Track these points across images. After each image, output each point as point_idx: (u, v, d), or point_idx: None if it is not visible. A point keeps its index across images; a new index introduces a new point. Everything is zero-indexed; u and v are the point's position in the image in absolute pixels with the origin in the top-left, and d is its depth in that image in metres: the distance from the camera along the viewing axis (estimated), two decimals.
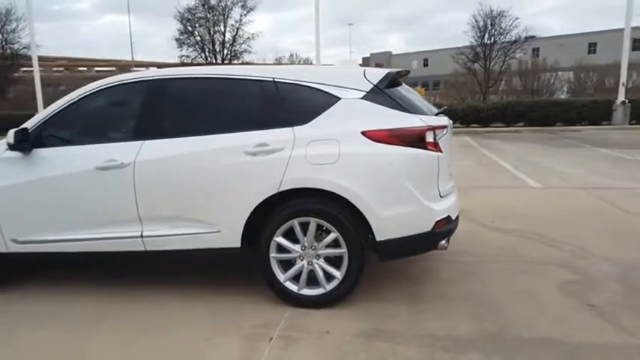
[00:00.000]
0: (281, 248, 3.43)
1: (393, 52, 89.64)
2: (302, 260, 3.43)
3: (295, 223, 3.37)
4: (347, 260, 3.34)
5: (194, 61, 29.05)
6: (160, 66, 62.53)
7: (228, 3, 27.65)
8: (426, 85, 70.51)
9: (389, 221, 3.26)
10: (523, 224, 5.34)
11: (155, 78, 3.67)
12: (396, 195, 3.27)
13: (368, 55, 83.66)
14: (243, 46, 28.53)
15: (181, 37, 28.42)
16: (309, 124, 3.38)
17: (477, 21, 25.24)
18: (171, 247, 3.56)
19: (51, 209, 3.66)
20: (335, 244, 3.35)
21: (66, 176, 3.61)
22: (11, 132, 3.54)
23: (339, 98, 3.40)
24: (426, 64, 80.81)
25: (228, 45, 28.48)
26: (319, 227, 3.37)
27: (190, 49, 28.58)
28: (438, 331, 3.08)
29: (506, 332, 3.05)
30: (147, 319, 3.37)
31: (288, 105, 3.45)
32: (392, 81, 3.49)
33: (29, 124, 3.72)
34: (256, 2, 28.93)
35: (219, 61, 28.40)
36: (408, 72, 3.95)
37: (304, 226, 3.37)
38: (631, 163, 9.76)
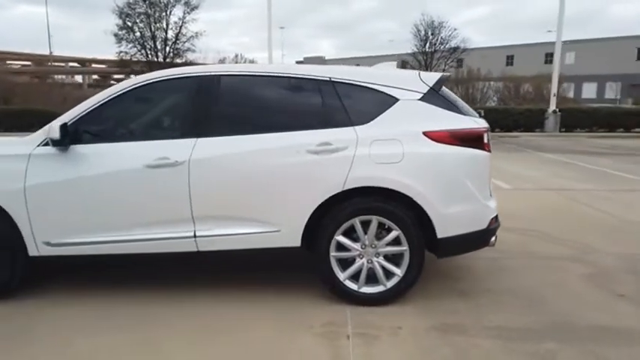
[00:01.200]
0: (340, 247, 3.45)
1: (326, 57, 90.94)
2: (361, 258, 3.47)
3: (357, 221, 3.40)
4: (408, 258, 3.41)
5: (133, 58, 27.91)
6: (81, 62, 59.19)
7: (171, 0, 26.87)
8: None
9: (450, 219, 3.38)
10: (520, 223, 5.67)
11: (209, 74, 3.57)
12: (457, 193, 3.40)
13: (301, 59, 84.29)
14: (186, 44, 27.81)
15: (120, 33, 27.22)
16: (369, 123, 3.43)
17: (418, 30, 26.21)
18: (226, 247, 3.47)
19: (92, 209, 3.45)
20: (396, 242, 3.42)
21: (111, 174, 3.41)
22: (56, 126, 3.31)
23: (397, 99, 3.48)
24: None
25: (170, 43, 27.61)
26: (379, 225, 3.42)
27: (130, 46, 27.44)
28: (502, 323, 3.24)
29: (562, 321, 3.26)
30: (212, 321, 3.27)
31: (347, 105, 3.48)
32: (444, 84, 3.62)
33: (66, 119, 3.48)
34: (200, 0, 28.31)
35: (160, 59, 27.46)
36: (450, 76, 4.09)
37: (365, 225, 3.42)
38: (575, 166, 10.58)
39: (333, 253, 3.44)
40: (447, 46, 25.69)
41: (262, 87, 3.58)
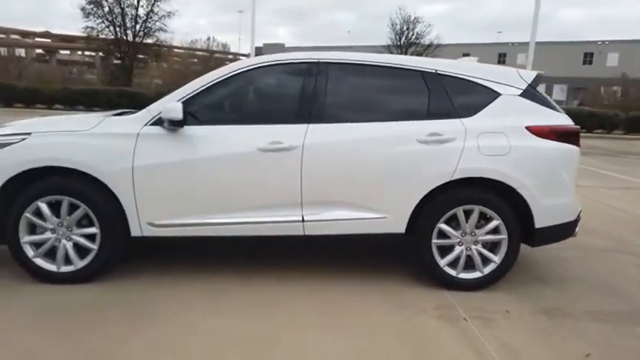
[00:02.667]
0: (441, 234, 3.58)
1: (287, 45, 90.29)
2: (460, 246, 3.61)
3: (460, 210, 3.54)
4: (506, 246, 3.59)
5: (100, 35, 26.79)
6: (23, 33, 56.11)
7: None
8: None
9: (548, 210, 3.57)
10: None
11: (321, 60, 3.59)
12: (555, 186, 3.60)
13: (261, 45, 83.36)
14: (157, 23, 26.93)
15: (88, 7, 26.02)
16: (475, 116, 3.56)
17: (394, 24, 26.55)
18: (332, 232, 3.53)
19: (201, 191, 3.43)
20: (495, 230, 3.58)
21: (223, 156, 3.40)
22: (179, 105, 3.25)
23: (499, 94, 3.63)
24: None
25: (141, 21, 26.67)
26: (479, 214, 3.57)
27: (98, 21, 26.28)
28: (596, 308, 3.46)
29: None
30: (331, 303, 3.35)
31: (452, 97, 3.59)
32: (539, 82, 3.79)
33: (175, 99, 3.43)
34: None
35: (129, 37, 26.50)
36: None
37: (466, 214, 3.56)
38: None
39: (434, 240, 3.57)
40: (421, 41, 26.18)
41: (370, 76, 3.65)
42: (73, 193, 3.37)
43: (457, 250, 3.61)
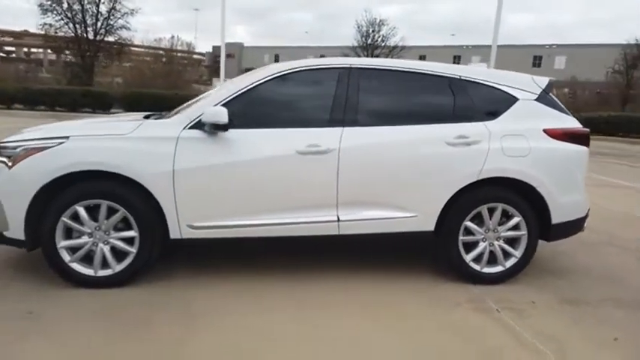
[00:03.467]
0: (467, 231, 3.79)
1: (245, 44, 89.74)
2: (484, 242, 3.82)
3: (485, 208, 3.75)
4: (526, 241, 3.83)
5: (58, 32, 25.79)
6: None
7: None
8: None
9: (563, 207, 3.84)
10: None
11: (353, 66, 3.72)
12: (570, 184, 3.87)
13: (218, 44, 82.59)
14: (119, 21, 26.17)
15: (46, 3, 25.00)
16: (497, 119, 3.79)
17: (359, 26, 26.92)
18: (365, 231, 3.67)
19: (241, 193, 3.50)
20: (515, 227, 3.82)
21: (262, 159, 3.48)
22: (223, 109, 3.31)
23: (517, 99, 3.87)
24: (277, 60, 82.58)
25: (102, 18, 25.85)
26: (506, 213, 3.80)
27: (57, 18, 25.28)
28: (613, 296, 3.74)
29: None
30: (364, 296, 3.50)
31: (476, 101, 3.81)
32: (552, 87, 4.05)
33: (213, 103, 3.49)
34: None
35: (90, 35, 25.64)
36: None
37: (490, 211, 3.78)
38: None
39: (461, 237, 3.77)
40: (387, 44, 26.69)
41: (399, 81, 3.81)
42: (112, 196, 3.37)
43: (481, 246, 3.82)
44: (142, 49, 31.75)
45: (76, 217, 3.39)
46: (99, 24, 26.02)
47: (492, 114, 3.81)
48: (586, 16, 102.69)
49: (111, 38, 26.55)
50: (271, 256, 4.21)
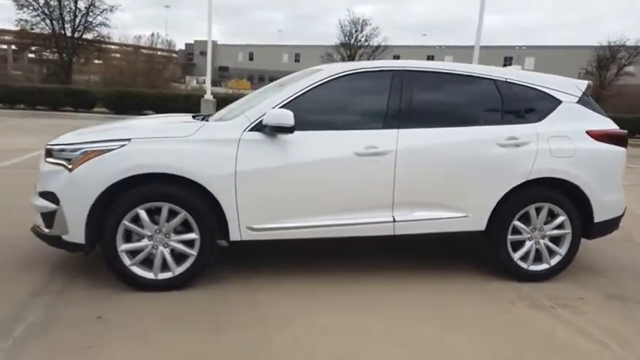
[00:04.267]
0: (515, 230, 3.89)
1: (219, 42, 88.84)
2: (530, 241, 3.93)
3: (532, 208, 3.86)
4: (570, 239, 3.95)
5: (35, 28, 25.06)
6: None
7: None
8: (251, 79, 71.91)
9: (605, 205, 3.98)
10: None
11: (406, 69, 3.78)
12: (611, 184, 4.01)
13: (191, 42, 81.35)
14: (99, 18, 25.57)
15: None
16: (543, 121, 3.90)
17: (342, 26, 27.03)
18: (419, 231, 3.74)
19: (300, 195, 3.51)
20: (560, 226, 3.94)
21: (322, 161, 3.51)
22: (289, 112, 3.32)
23: (560, 101, 3.99)
24: (251, 58, 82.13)
25: (80, 15, 25.22)
26: (551, 212, 3.91)
27: (34, 14, 24.54)
28: None
29: None
30: (431, 302, 3.54)
31: (522, 103, 3.92)
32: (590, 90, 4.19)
33: (271, 106, 3.50)
34: None
35: (68, 32, 25.00)
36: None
37: (536, 211, 3.89)
38: None
39: (509, 236, 3.87)
40: (370, 44, 26.90)
41: (449, 83, 3.88)
42: (173, 199, 3.34)
43: (527, 244, 3.93)
44: (121, 47, 31.09)
45: (136, 220, 3.34)
46: (77, 21, 25.41)
47: (538, 116, 3.92)
48: (554, 18, 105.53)
49: (89, 35, 25.99)
50: (319, 257, 4.23)
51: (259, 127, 3.46)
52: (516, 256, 3.90)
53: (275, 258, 4.15)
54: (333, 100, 3.71)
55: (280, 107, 3.50)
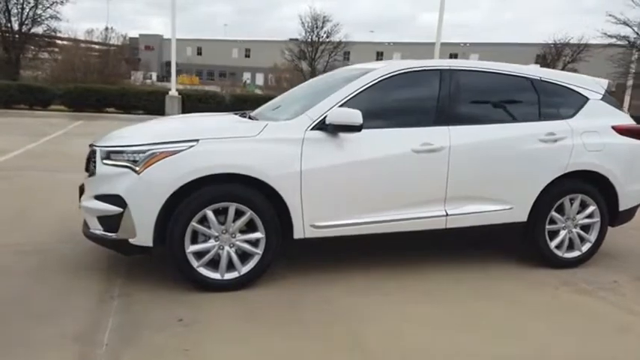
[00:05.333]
0: (551, 221, 4.13)
1: (165, 36, 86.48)
2: (564, 230, 4.19)
3: (567, 199, 4.12)
4: (599, 227, 4.24)
5: None
6: None
7: None
8: (200, 74, 70.63)
9: (629, 195, 4.29)
10: None
11: (452, 68, 3.95)
12: (633, 175, 4.32)
13: (136, 36, 78.71)
14: (48, 10, 24.31)
15: None
16: (574, 118, 4.16)
17: (303, 22, 27.05)
18: (468, 224, 3.90)
19: (361, 192, 3.60)
20: (590, 215, 4.21)
21: (382, 158, 3.61)
22: (357, 111, 3.38)
23: (588, 98, 4.27)
24: (200, 53, 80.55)
25: (28, 7, 23.90)
26: (582, 202, 4.18)
27: None
28: None
29: None
30: (489, 292, 3.71)
31: (556, 100, 4.17)
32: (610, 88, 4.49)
33: (329, 105, 3.55)
34: None
35: (15, 26, 23.63)
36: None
37: (570, 202, 4.14)
38: None
39: (547, 227, 4.10)
40: (331, 39, 27.08)
41: (491, 81, 4.07)
42: (240, 199, 3.34)
43: (562, 233, 4.18)
44: (72, 42, 29.74)
45: (202, 221, 3.32)
46: (25, 13, 24.13)
47: (570, 112, 4.17)
48: (496, 16, 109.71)
49: (39, 29, 24.74)
50: (374, 251, 4.31)
51: (321, 125, 3.50)
52: (552, 244, 4.14)
53: (327, 255, 4.18)
54: (388, 98, 3.80)
55: (339, 106, 3.55)
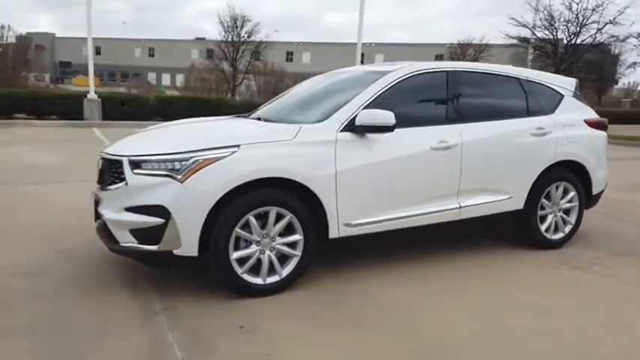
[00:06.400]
0: (541, 207, 4.56)
1: (57, 35, 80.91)
2: (551, 215, 4.64)
3: (554, 186, 4.57)
4: (577, 210, 4.75)
5: None
6: None
7: None
8: (101, 75, 66.75)
9: (598, 180, 4.85)
10: None
11: (458, 69, 4.25)
12: (601, 163, 4.88)
13: (24, 33, 72.56)
14: None
15: None
16: (555, 113, 4.63)
17: (222, 22, 26.58)
18: (477, 214, 4.21)
19: (388, 189, 3.75)
20: (571, 199, 4.71)
21: (407, 156, 3.80)
22: (389, 113, 3.51)
23: (563, 95, 4.76)
24: (98, 52, 76.24)
25: None
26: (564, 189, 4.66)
27: None
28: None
29: None
30: (502, 274, 4.03)
31: (539, 98, 4.60)
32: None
33: (358, 106, 3.68)
34: None
35: None
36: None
37: (557, 188, 4.61)
38: None
39: (539, 212, 4.53)
40: (250, 40, 26.86)
41: (489, 81, 4.42)
42: (280, 203, 3.36)
43: (549, 218, 4.63)
44: None
45: (243, 226, 3.30)
46: None
47: (551, 108, 4.63)
48: (396, 18, 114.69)
49: None
50: (385, 248, 4.45)
51: (350, 127, 3.61)
52: (542, 228, 4.57)
53: (355, 252, 4.25)
54: (406, 98, 3.97)
55: (364, 107, 3.68)
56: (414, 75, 4.00)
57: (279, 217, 3.39)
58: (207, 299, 3.33)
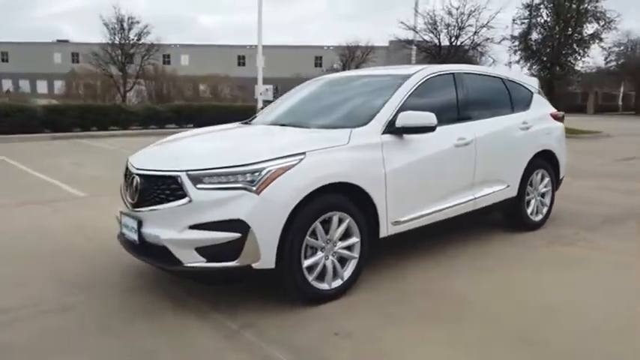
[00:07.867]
0: (527, 193, 5.10)
1: None
2: (534, 199, 5.20)
3: (534, 174, 5.14)
4: (551, 194, 5.37)
5: None
6: None
7: None
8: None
9: (563, 166, 5.53)
10: None
11: (461, 72, 4.59)
12: (564, 150, 5.56)
13: None
14: None
15: None
16: (530, 109, 5.20)
17: (106, 24, 24.86)
18: (485, 204, 4.59)
19: (425, 185, 3.97)
20: (546, 185, 5.32)
21: (438, 153, 4.06)
22: (431, 114, 3.70)
23: (532, 92, 5.36)
24: (5, 60, 67.43)
25: None
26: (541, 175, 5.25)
27: None
28: (604, 213, 5.58)
29: None
30: (508, 258, 4.43)
31: (517, 95, 5.14)
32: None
33: (393, 108, 3.85)
34: None
35: None
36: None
37: (537, 175, 5.17)
38: None
39: (525, 197, 5.05)
40: (141, 42, 25.43)
41: (484, 82, 4.84)
42: (341, 207, 3.41)
43: (533, 202, 5.18)
44: None
45: (311, 234, 3.31)
46: None
47: (526, 105, 5.18)
48: (272, 19, 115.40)
49: None
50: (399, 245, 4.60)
51: (389, 129, 3.75)
52: (528, 211, 5.11)
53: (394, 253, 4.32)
54: (428, 99, 4.19)
55: (397, 109, 3.85)
56: (432, 77, 4.26)
57: (339, 221, 3.43)
58: (278, 312, 3.25)
